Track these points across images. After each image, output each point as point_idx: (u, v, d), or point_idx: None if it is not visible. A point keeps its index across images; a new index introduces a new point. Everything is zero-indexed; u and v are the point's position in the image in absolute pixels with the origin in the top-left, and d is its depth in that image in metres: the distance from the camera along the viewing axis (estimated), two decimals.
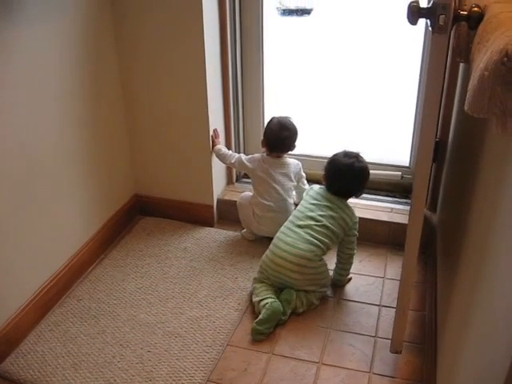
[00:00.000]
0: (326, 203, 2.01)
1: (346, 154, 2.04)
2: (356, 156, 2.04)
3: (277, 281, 1.96)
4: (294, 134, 2.23)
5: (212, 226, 2.43)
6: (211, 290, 2.04)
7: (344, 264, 2.07)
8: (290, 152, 2.27)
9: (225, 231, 2.39)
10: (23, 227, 1.81)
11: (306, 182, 2.33)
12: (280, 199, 2.22)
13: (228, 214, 2.42)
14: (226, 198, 2.45)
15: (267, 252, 2.01)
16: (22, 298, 1.84)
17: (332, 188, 2.04)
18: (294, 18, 7.69)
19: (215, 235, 2.37)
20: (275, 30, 5.96)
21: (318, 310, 1.96)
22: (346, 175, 2.02)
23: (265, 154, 2.26)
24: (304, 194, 2.13)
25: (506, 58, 0.79)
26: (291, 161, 2.27)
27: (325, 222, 1.96)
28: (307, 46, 6.06)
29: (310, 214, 2.00)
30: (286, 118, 2.26)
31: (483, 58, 0.89)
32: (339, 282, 2.09)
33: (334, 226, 1.97)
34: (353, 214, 2.03)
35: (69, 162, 2.01)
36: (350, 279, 2.12)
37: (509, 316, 0.78)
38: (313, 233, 1.95)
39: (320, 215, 1.98)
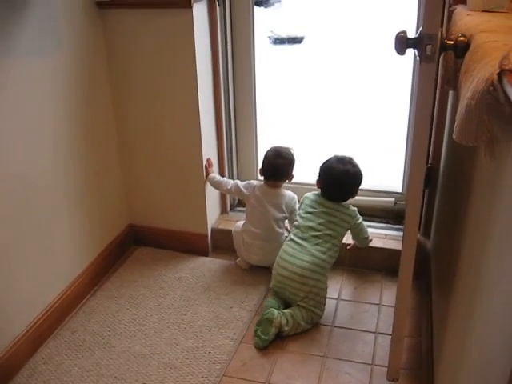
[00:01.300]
0: (322, 209, 2.06)
1: (340, 160, 2.09)
2: (350, 161, 2.09)
3: (280, 291, 2.01)
4: (288, 163, 2.24)
5: (206, 256, 2.43)
6: (206, 319, 2.03)
7: (361, 243, 2.22)
8: (287, 182, 2.28)
9: (219, 260, 2.39)
10: (17, 259, 1.80)
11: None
12: (268, 228, 2.22)
13: (222, 242, 2.42)
14: (220, 227, 2.45)
15: (274, 264, 2.06)
16: (16, 331, 1.82)
17: (328, 194, 2.09)
18: (286, 47, 7.80)
19: (210, 264, 2.36)
20: (267, 59, 6.04)
21: (314, 338, 1.95)
22: (342, 182, 2.07)
23: (262, 182, 2.27)
24: (299, 204, 2.17)
25: (491, 87, 0.81)
26: (286, 192, 2.27)
27: (325, 230, 2.02)
28: (299, 72, 6.14)
29: (310, 224, 2.04)
30: (285, 147, 2.28)
31: (470, 87, 0.90)
32: (363, 245, 2.23)
33: (335, 230, 2.03)
34: (350, 209, 2.09)
35: (62, 193, 2.01)
36: (371, 240, 2.25)
37: (506, 342, 0.78)
38: (315, 243, 2.00)
39: (320, 223, 2.03)
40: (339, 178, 2.06)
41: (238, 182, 2.32)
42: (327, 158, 2.13)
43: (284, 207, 2.24)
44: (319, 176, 2.12)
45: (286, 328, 1.91)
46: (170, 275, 2.29)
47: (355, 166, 2.09)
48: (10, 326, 1.80)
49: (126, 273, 2.32)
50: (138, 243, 2.51)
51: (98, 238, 2.27)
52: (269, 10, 10.85)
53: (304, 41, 8.06)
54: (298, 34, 8.23)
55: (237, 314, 2.06)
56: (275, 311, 1.90)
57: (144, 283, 2.25)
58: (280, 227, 2.24)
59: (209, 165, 2.32)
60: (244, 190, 2.29)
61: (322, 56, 6.99)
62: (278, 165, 2.22)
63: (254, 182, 2.31)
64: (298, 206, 2.26)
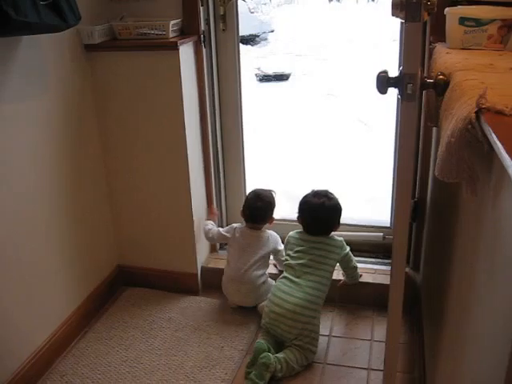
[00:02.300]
0: (310, 245, 2.08)
1: (315, 194, 2.14)
2: (325, 194, 2.12)
3: (272, 329, 2.00)
4: (267, 206, 2.27)
5: (197, 295, 2.41)
6: (197, 360, 2.01)
7: (352, 275, 2.21)
8: (268, 225, 2.30)
9: (210, 299, 2.37)
10: (4, 302, 1.78)
11: (284, 254, 2.22)
12: (244, 269, 2.20)
13: (212, 281, 2.41)
14: (210, 265, 2.45)
15: (266, 302, 2.07)
16: (4, 375, 1.79)
17: (310, 229, 2.12)
18: (273, 84, 7.90)
19: (200, 304, 2.35)
20: (254, 96, 6.12)
21: (306, 377, 1.93)
22: (320, 215, 2.10)
23: (243, 224, 2.30)
24: (285, 244, 2.18)
25: (470, 126, 0.83)
26: (268, 233, 2.28)
27: (317, 265, 2.04)
28: (286, 109, 6.21)
29: (301, 261, 2.05)
30: (266, 190, 2.31)
31: (449, 125, 0.93)
32: (354, 281, 2.23)
33: (326, 263, 2.06)
34: (336, 240, 2.11)
35: (51, 234, 2.01)
36: (361, 275, 2.25)
37: (495, 374, 0.79)
38: (308, 280, 2.01)
39: (310, 259, 2.05)
40: (316, 211, 2.10)
41: (220, 229, 2.36)
42: (305, 194, 2.17)
43: (265, 248, 2.24)
44: (299, 212, 2.15)
45: (280, 374, 1.90)
46: (160, 315, 2.28)
47: (331, 198, 2.12)
48: None
49: (116, 314, 2.30)
50: (127, 284, 2.49)
51: (87, 279, 2.26)
52: (256, 47, 11.05)
53: (291, 78, 8.19)
54: (285, 71, 8.36)
55: (228, 354, 2.04)
56: (271, 356, 1.88)
57: (134, 324, 2.23)
58: (259, 269, 2.21)
59: (210, 212, 2.36)
60: (226, 234, 2.32)
61: (309, 92, 7.10)
62: (258, 208, 2.25)
63: (235, 225, 2.33)
64: (281, 245, 2.28)
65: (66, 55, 2.02)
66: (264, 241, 2.25)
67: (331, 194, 2.14)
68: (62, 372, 1.98)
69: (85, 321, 2.22)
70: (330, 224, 2.12)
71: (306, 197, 2.16)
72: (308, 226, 2.13)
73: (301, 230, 2.16)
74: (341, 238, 2.13)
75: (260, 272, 2.21)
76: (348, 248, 2.14)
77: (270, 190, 2.32)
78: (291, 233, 2.18)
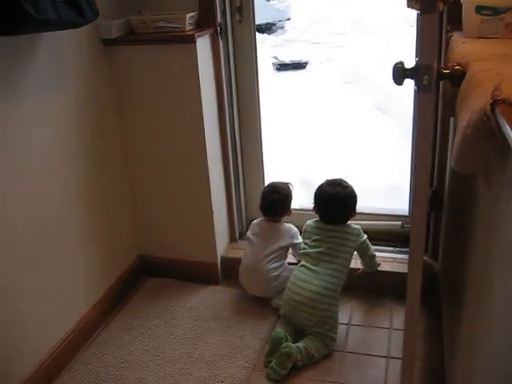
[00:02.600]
0: (327, 233, 2.10)
1: (330, 183, 2.16)
2: (340, 183, 2.14)
3: (292, 317, 2.03)
4: (283, 198, 2.28)
5: (217, 284, 2.44)
6: (218, 349, 2.04)
7: (370, 264, 2.22)
8: (286, 217, 2.32)
9: (230, 289, 2.40)
10: (30, 293, 1.83)
11: (301, 246, 2.21)
12: (258, 260, 2.22)
13: (232, 271, 2.43)
14: (230, 255, 2.48)
15: (285, 290, 2.08)
16: (30, 365, 1.84)
17: (326, 218, 2.14)
18: (290, 73, 7.87)
19: (220, 293, 2.38)
20: (271, 85, 6.11)
21: (325, 365, 1.95)
22: (334, 204, 2.12)
23: (262, 218, 2.33)
24: (303, 233, 2.20)
25: (485, 117, 0.84)
26: (286, 226, 2.30)
27: (335, 253, 2.06)
28: (303, 98, 6.19)
29: (319, 249, 2.08)
30: (283, 183, 2.33)
31: (465, 116, 0.93)
32: (372, 269, 2.23)
33: (344, 251, 2.07)
34: (353, 228, 2.13)
35: (74, 226, 2.05)
36: (380, 264, 2.26)
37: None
38: (326, 268, 2.03)
39: (328, 247, 2.07)
40: (331, 201, 2.12)
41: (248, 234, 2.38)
42: (319, 184, 2.19)
43: (281, 241, 2.25)
44: (314, 202, 2.17)
45: (301, 363, 1.92)
46: (182, 305, 2.31)
47: (345, 187, 2.13)
48: (22, 360, 1.82)
49: (138, 304, 2.34)
50: (149, 274, 2.53)
51: (108, 269, 2.30)
52: (272, 36, 11.00)
53: (308, 66, 8.15)
54: (302, 59, 8.32)
55: (248, 343, 2.07)
56: (293, 346, 1.90)
57: (156, 314, 2.27)
58: (274, 261, 2.22)
59: None
60: (248, 232, 2.35)
61: (326, 80, 7.06)
62: (274, 201, 2.27)
63: (256, 220, 2.36)
64: (298, 239, 2.29)
65: (85, 50, 2.04)
66: (281, 234, 2.27)
67: (346, 182, 2.15)
68: (86, 360, 2.03)
69: (107, 311, 2.27)
70: (345, 213, 2.13)
71: (320, 186, 2.18)
72: (324, 215, 2.14)
73: (317, 218, 2.17)
74: (358, 226, 2.14)
75: (275, 265, 2.22)
76: (365, 236, 2.15)
77: (286, 183, 2.34)
78: (308, 222, 2.20)
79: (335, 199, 2.11)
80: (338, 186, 2.13)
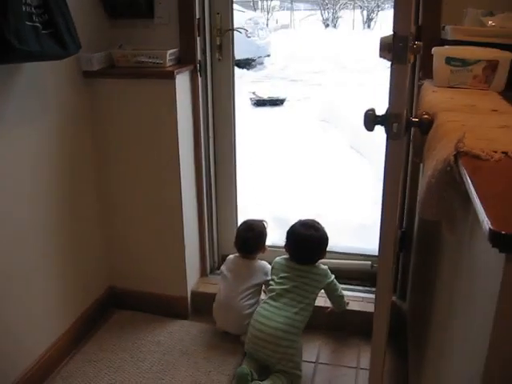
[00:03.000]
0: (295, 273, 2.12)
1: (303, 224, 2.19)
2: (312, 225, 2.18)
3: (254, 353, 2.03)
4: (257, 236, 2.31)
5: (186, 319, 2.43)
6: None
7: (338, 303, 2.23)
8: (260, 253, 2.34)
9: (199, 324, 2.39)
10: None
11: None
12: (230, 297, 2.22)
13: (202, 306, 2.43)
14: (200, 290, 2.47)
15: (249, 326, 2.08)
16: None
17: (296, 257, 2.17)
18: (267, 109, 7.97)
19: (189, 328, 2.37)
20: (248, 121, 6.18)
21: None
22: (306, 246, 2.15)
23: (237, 255, 2.34)
24: (271, 268, 2.23)
25: (448, 168, 0.88)
26: (258, 263, 2.32)
27: (299, 292, 2.07)
28: (279, 135, 6.26)
29: (284, 287, 2.09)
30: (257, 220, 2.36)
31: (431, 165, 0.97)
32: (341, 308, 2.25)
33: (309, 290, 2.09)
34: (320, 268, 2.16)
35: (42, 254, 2.03)
36: (348, 303, 2.28)
37: None
38: (289, 305, 2.04)
39: (293, 286, 2.08)
40: (303, 242, 2.15)
41: (221, 269, 2.38)
42: (292, 223, 2.22)
43: (255, 277, 2.26)
44: (286, 240, 2.20)
45: None
46: (149, 339, 2.29)
47: (318, 229, 2.17)
48: None
49: (105, 336, 2.31)
50: (117, 306, 2.51)
51: (77, 300, 2.28)
52: (251, 71, 11.15)
53: (285, 103, 8.26)
54: (280, 96, 8.44)
55: (215, 379, 2.06)
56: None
57: (123, 347, 2.24)
58: (248, 298, 2.22)
59: None
60: (223, 267, 2.35)
61: (303, 118, 7.17)
62: (249, 238, 2.29)
63: (231, 256, 2.37)
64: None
65: (65, 81, 2.07)
66: (255, 270, 2.28)
67: (318, 224, 2.19)
68: None
69: (74, 342, 2.24)
70: (315, 254, 2.17)
71: (293, 226, 2.21)
72: (294, 254, 2.17)
73: (287, 256, 2.20)
74: (325, 267, 2.17)
75: (250, 302, 2.22)
76: (333, 276, 2.18)
77: (261, 220, 2.37)
78: (277, 259, 2.22)
79: (307, 241, 2.14)
80: (311, 228, 2.16)
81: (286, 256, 2.21)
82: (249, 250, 2.31)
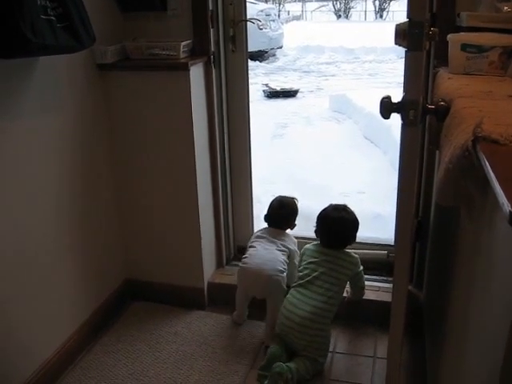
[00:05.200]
0: (324, 258, 2.11)
1: (335, 208, 2.19)
2: (344, 209, 2.18)
3: (283, 338, 2.04)
4: (291, 212, 2.36)
5: (203, 310, 2.44)
6: (202, 374, 2.04)
7: (358, 293, 2.25)
8: (289, 230, 2.37)
9: (215, 314, 2.40)
10: (14, 315, 1.82)
11: (296, 256, 2.29)
12: (263, 254, 2.21)
13: (218, 297, 2.44)
14: (217, 281, 2.48)
15: (279, 312, 2.09)
16: None
17: (326, 242, 2.15)
18: (280, 100, 7.96)
19: (206, 319, 2.38)
20: (261, 113, 6.18)
21: None
22: (338, 229, 2.15)
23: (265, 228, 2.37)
24: (300, 257, 2.22)
25: (466, 153, 0.88)
26: (289, 232, 2.36)
27: (328, 278, 2.06)
28: (293, 126, 6.25)
29: (313, 273, 2.08)
30: (289, 197, 2.40)
31: (448, 151, 0.97)
32: (358, 298, 2.27)
33: (338, 277, 2.08)
34: (352, 257, 2.14)
35: (61, 248, 2.05)
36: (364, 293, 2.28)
37: None
38: (318, 293, 2.04)
39: (322, 272, 2.08)
40: (335, 225, 2.15)
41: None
42: (323, 208, 2.22)
43: (285, 244, 2.28)
44: (316, 225, 2.20)
45: (291, 383, 1.93)
46: (167, 329, 2.31)
47: (349, 212, 2.18)
48: (7, 382, 1.81)
49: (123, 327, 2.34)
50: (134, 298, 2.53)
51: (95, 292, 2.30)
52: (264, 63, 11.13)
53: (298, 94, 8.25)
54: (293, 87, 8.42)
55: (232, 368, 2.07)
56: (284, 366, 1.91)
57: (141, 338, 2.26)
58: (282, 254, 2.24)
59: None
60: (252, 238, 2.36)
61: (316, 109, 7.15)
62: (282, 214, 2.34)
63: (258, 231, 2.40)
64: (297, 249, 2.31)
65: (80, 74, 2.08)
66: (287, 236, 2.33)
67: (349, 208, 2.20)
68: None
69: (92, 334, 2.26)
70: (346, 238, 2.16)
71: (324, 210, 2.21)
72: (325, 239, 2.17)
73: (317, 242, 2.20)
74: (357, 256, 2.17)
75: (283, 258, 2.22)
76: (362, 267, 2.18)
77: (292, 198, 2.41)
78: (307, 245, 2.22)
79: (338, 223, 2.15)
80: (342, 211, 2.17)
81: (316, 242, 2.21)
82: (280, 226, 2.34)
